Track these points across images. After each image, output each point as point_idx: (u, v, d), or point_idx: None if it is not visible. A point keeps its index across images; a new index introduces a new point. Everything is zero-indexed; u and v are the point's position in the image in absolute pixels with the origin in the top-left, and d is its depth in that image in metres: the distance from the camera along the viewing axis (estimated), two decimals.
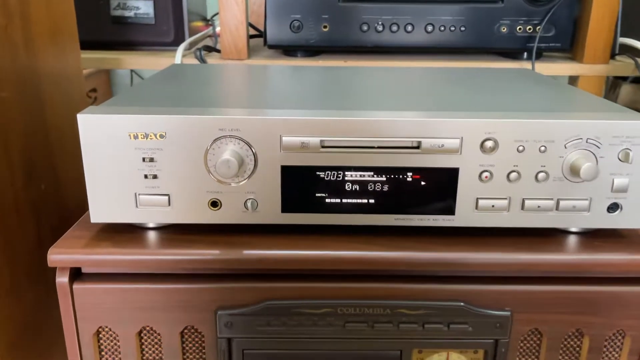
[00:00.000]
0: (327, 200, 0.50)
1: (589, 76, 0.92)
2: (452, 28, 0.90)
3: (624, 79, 1.05)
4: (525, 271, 0.50)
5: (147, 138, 0.48)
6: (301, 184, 0.50)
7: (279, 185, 0.50)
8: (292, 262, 0.49)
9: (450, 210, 0.50)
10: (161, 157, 0.48)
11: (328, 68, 0.78)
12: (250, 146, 0.48)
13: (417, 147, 0.49)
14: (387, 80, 0.68)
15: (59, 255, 0.49)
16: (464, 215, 0.50)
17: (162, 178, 0.49)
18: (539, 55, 0.94)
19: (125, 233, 0.52)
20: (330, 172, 0.50)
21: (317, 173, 0.49)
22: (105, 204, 0.50)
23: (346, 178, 0.50)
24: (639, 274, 0.51)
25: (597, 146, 0.48)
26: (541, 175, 0.49)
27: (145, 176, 0.49)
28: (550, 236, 0.52)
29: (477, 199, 0.50)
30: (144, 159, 0.48)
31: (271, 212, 0.50)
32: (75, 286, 0.50)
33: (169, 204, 0.50)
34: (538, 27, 0.90)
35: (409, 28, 0.90)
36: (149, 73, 1.67)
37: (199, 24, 1.12)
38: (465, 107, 0.52)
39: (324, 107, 0.52)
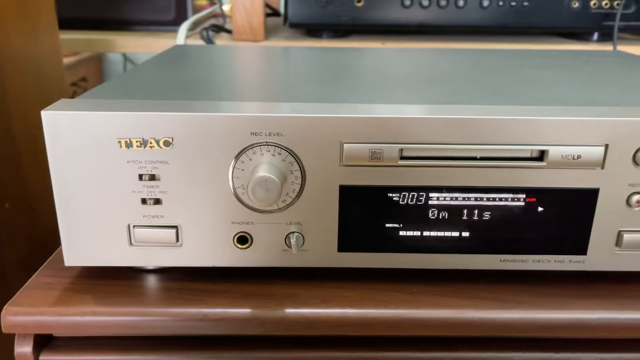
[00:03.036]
0: (403, 233, 0.35)
1: None
2: (513, 3, 0.74)
3: None
4: None
5: (145, 146, 0.32)
6: (368, 212, 0.34)
7: (336, 214, 0.34)
8: (354, 324, 0.34)
9: (581, 249, 0.35)
10: (166, 174, 0.33)
11: (368, 50, 0.62)
12: (296, 158, 0.33)
13: (540, 159, 0.33)
14: (454, 64, 0.53)
15: (17, 317, 0.34)
16: (601, 256, 0.35)
17: (168, 204, 0.34)
18: (611, 37, 0.78)
19: (116, 280, 0.36)
20: (409, 195, 0.34)
21: (390, 195, 0.34)
22: (84, 241, 0.34)
23: (431, 202, 0.35)
24: None
25: None
26: None
27: (144, 201, 0.34)
28: None
29: (621, 232, 0.35)
30: (141, 177, 0.33)
31: (324, 251, 0.35)
32: (44, 358, 0.35)
33: (178, 240, 0.35)
34: (617, 3, 0.74)
35: (461, 3, 0.74)
36: (145, 59, 1.50)
37: (203, 2, 0.96)
38: (587, 101, 0.37)
39: (395, 100, 0.37)
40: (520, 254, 0.35)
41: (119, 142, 0.32)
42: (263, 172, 0.32)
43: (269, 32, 0.83)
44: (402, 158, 0.33)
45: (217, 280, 0.36)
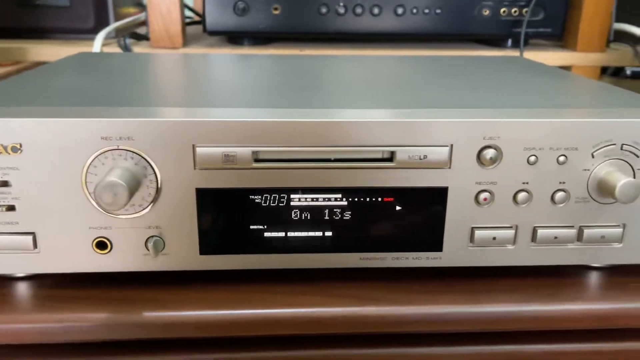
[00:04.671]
0: (265, 234, 0.36)
1: (584, 66, 0.80)
2: (426, 11, 0.76)
3: (616, 74, 0.93)
4: (540, 327, 0.37)
5: None
6: (227, 214, 0.35)
7: (195, 217, 0.35)
8: (215, 326, 0.34)
9: (437, 246, 0.36)
10: (18, 180, 0.33)
11: (280, 57, 0.63)
12: (149, 162, 0.33)
13: (390, 160, 0.35)
14: (351, 71, 0.54)
15: None
16: (455, 252, 0.36)
17: (22, 210, 0.34)
18: (525, 43, 0.81)
19: None
20: (268, 196, 0.35)
21: (251, 197, 0.35)
22: None
23: (292, 203, 0.35)
24: None
25: (636, 155, 0.35)
26: (559, 195, 0.35)
27: None
28: (571, 277, 0.38)
29: (473, 228, 0.36)
30: None
31: (185, 254, 0.35)
32: None
33: (35, 247, 0.34)
34: (525, 10, 0.77)
35: (376, 10, 0.76)
36: None
37: (131, 9, 0.96)
38: (453, 104, 0.39)
39: (259, 105, 0.37)
40: (379, 252, 0.36)
41: None
42: (112, 176, 0.32)
43: (191, 40, 0.83)
44: (257, 161, 0.34)
45: (80, 285, 0.36)
